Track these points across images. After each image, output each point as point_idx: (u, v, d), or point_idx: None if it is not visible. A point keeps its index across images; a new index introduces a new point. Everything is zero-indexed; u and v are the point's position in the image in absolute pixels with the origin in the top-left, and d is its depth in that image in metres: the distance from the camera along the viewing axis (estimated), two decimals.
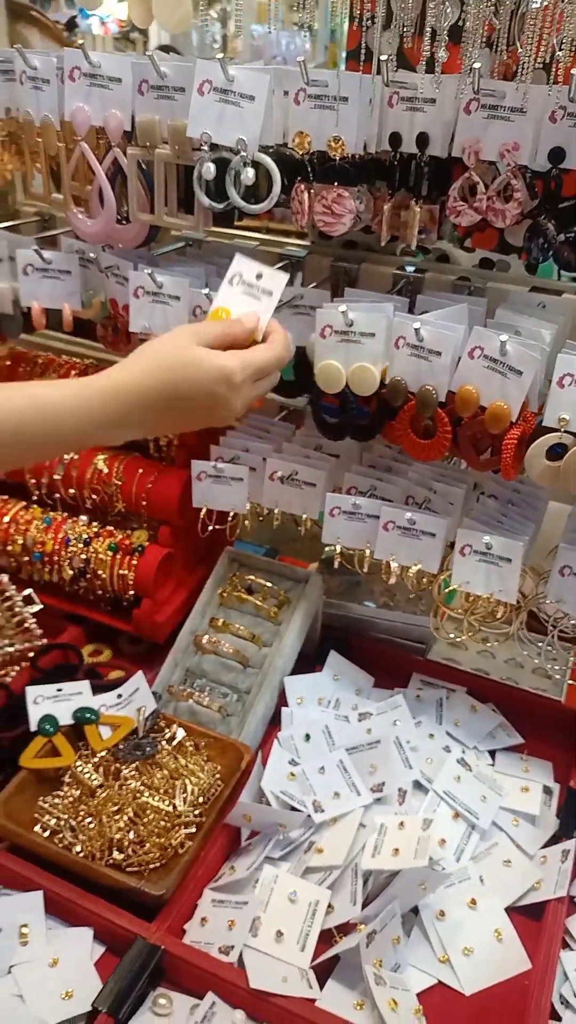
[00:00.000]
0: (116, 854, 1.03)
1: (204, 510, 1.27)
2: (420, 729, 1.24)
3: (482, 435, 1.02)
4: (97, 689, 1.23)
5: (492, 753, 1.24)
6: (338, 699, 1.31)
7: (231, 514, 1.28)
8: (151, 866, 1.02)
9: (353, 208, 1.05)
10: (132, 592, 1.34)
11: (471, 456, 1.04)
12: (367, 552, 1.19)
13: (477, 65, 0.93)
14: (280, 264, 1.27)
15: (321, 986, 0.93)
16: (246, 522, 1.29)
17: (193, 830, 1.06)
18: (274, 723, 1.25)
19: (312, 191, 1.05)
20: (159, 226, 1.17)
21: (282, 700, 1.27)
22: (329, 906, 1.00)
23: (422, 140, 1.03)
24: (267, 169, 1.02)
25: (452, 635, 1.18)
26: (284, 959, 0.95)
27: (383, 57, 0.99)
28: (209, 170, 1.03)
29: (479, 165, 1.00)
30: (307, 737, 1.20)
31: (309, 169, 1.05)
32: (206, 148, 1.03)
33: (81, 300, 1.26)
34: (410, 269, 1.22)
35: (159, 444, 1.37)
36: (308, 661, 1.34)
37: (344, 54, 1.33)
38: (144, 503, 1.34)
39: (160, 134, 1.08)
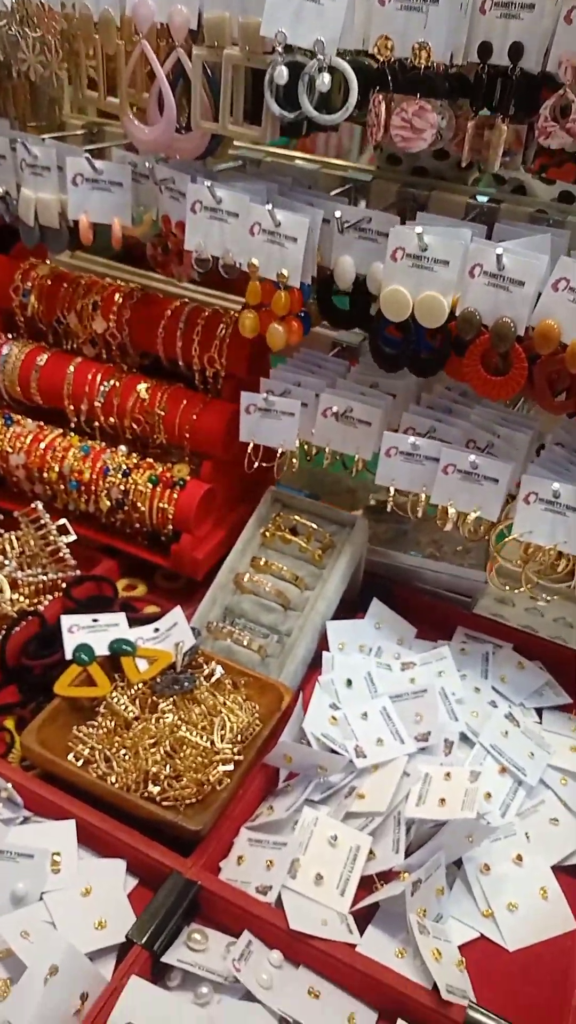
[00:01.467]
0: (151, 787, 0.99)
1: (251, 445, 1.22)
2: (466, 682, 1.20)
3: (560, 375, 0.96)
4: (133, 622, 1.19)
5: (539, 711, 1.20)
6: (379, 647, 1.27)
7: (278, 452, 1.23)
8: (187, 801, 0.99)
9: (435, 122, 0.98)
10: (171, 527, 1.30)
11: (546, 397, 0.99)
12: (422, 497, 1.13)
13: None
14: (342, 189, 1.20)
15: (360, 933, 0.90)
16: (293, 460, 1.24)
17: (231, 767, 1.02)
18: (313, 667, 1.21)
19: (391, 102, 0.98)
20: (221, 137, 1.10)
21: (322, 645, 1.23)
22: (370, 852, 0.96)
23: (516, 50, 0.95)
24: (343, 77, 0.95)
25: (507, 587, 1.13)
26: (323, 902, 0.91)
27: None
28: (282, 74, 0.97)
29: None
30: (348, 683, 1.16)
31: (390, 78, 0.97)
32: (280, 50, 0.97)
33: (132, 216, 1.20)
34: (483, 200, 1.15)
35: (205, 375, 1.32)
36: (349, 608, 1.30)
37: None
38: (187, 435, 1.30)
39: (230, 33, 1.01)
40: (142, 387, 1.33)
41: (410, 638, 1.30)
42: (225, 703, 1.09)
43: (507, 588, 1.13)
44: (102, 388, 1.34)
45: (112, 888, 0.92)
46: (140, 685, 1.10)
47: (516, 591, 1.12)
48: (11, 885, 0.87)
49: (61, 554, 1.30)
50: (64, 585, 1.27)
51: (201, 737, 1.04)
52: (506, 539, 1.09)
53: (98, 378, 1.34)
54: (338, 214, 1.03)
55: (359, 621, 1.28)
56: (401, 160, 1.21)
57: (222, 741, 1.04)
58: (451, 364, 1.03)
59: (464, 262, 0.96)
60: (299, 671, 1.19)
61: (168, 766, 1.01)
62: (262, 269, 1.05)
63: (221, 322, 1.27)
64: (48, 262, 1.45)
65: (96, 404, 1.35)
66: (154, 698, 1.09)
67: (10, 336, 1.44)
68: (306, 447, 1.23)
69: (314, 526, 1.26)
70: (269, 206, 1.04)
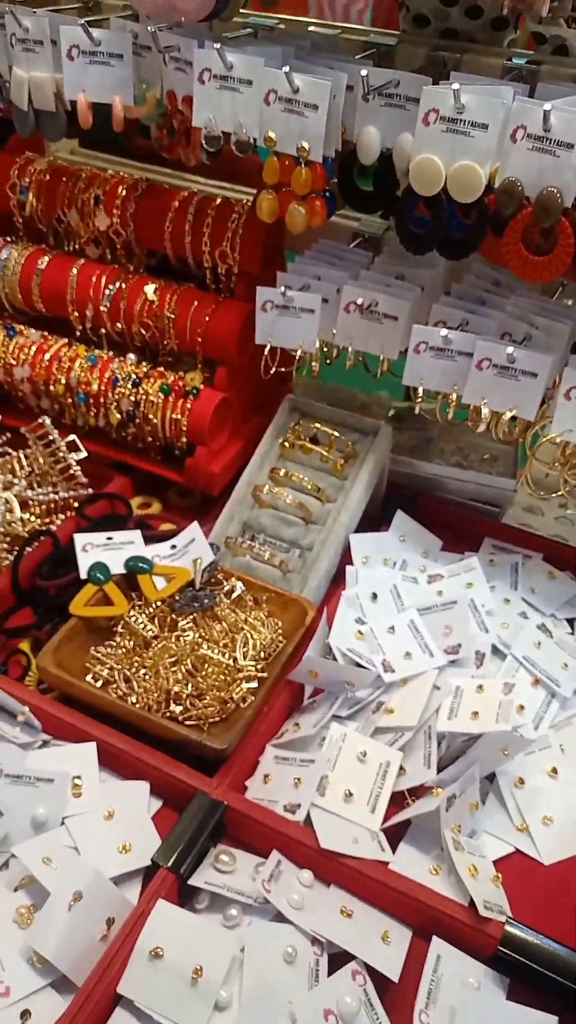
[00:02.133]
0: (173, 706, 0.96)
1: (268, 348, 1.14)
2: (495, 594, 1.15)
3: None
4: (149, 540, 1.14)
5: (570, 622, 1.15)
6: (404, 560, 1.21)
7: (297, 355, 1.15)
8: (210, 720, 0.95)
9: None
10: (184, 440, 1.23)
11: None
12: (453, 397, 1.06)
13: None
14: (364, 54, 1.08)
15: (392, 850, 0.87)
16: (313, 364, 1.16)
17: (255, 685, 0.99)
18: (336, 582, 1.16)
19: None
20: None
21: (345, 559, 1.18)
22: (400, 768, 0.93)
23: None
24: None
25: (541, 493, 1.06)
26: (354, 820, 0.89)
27: None
28: None
29: None
30: (374, 596, 1.11)
31: None
32: None
33: (134, 95, 1.09)
34: (520, 62, 1.04)
35: (217, 273, 1.23)
36: (371, 521, 1.24)
37: None
38: (200, 340, 1.22)
39: None
40: (150, 288, 1.24)
41: (435, 550, 1.25)
42: (247, 620, 1.05)
43: (541, 495, 1.06)
44: (108, 291, 1.25)
45: (136, 811, 0.89)
46: (158, 603, 1.05)
47: (551, 496, 1.05)
48: (32, 810, 0.84)
49: (72, 471, 1.24)
50: (76, 504, 1.22)
51: (223, 655, 1.00)
52: (542, 440, 1.01)
53: (103, 280, 1.26)
54: (364, 72, 0.91)
55: (383, 534, 1.23)
56: (429, 21, 1.09)
57: (245, 658, 1.00)
58: (486, 245, 0.93)
59: (505, 126, 0.86)
60: (322, 586, 1.14)
61: (190, 685, 0.97)
62: (280, 143, 0.95)
63: (233, 212, 1.17)
64: (46, 154, 1.34)
65: (102, 309, 1.26)
66: (173, 616, 1.04)
67: (8, 239, 1.35)
68: (326, 348, 1.14)
69: (336, 434, 1.19)
70: (286, 69, 0.92)
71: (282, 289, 1.07)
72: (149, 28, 1.02)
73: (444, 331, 1.00)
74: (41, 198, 1.29)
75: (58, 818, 0.86)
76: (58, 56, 1.07)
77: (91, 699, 0.96)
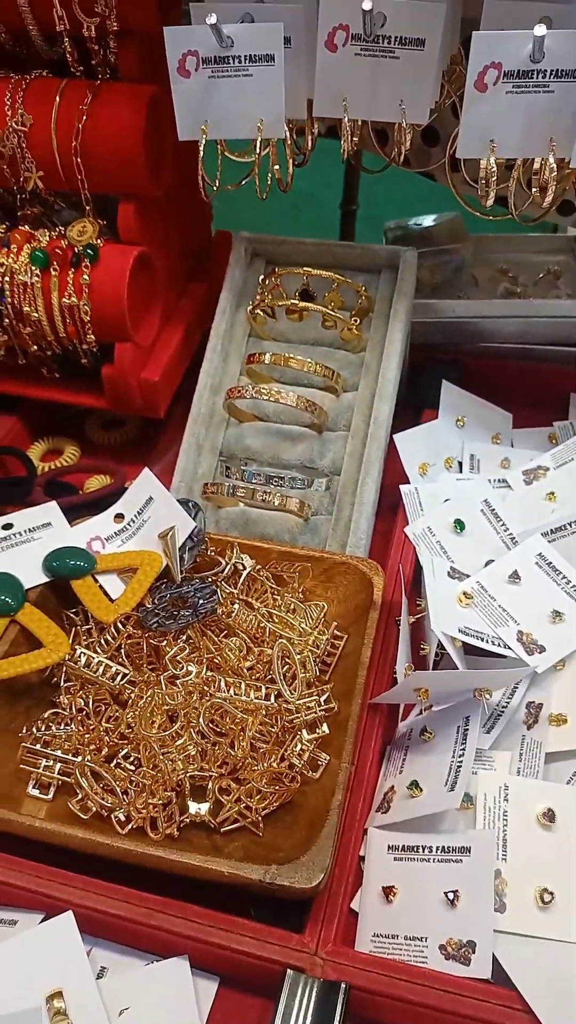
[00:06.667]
0: (196, 807, 0.53)
1: (203, 145, 0.65)
2: None
3: None
4: (74, 512, 0.67)
5: None
6: (473, 455, 0.79)
7: (256, 152, 0.67)
8: (262, 812, 0.53)
9: None
10: (92, 337, 0.76)
11: None
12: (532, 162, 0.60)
13: None
14: None
15: None
16: (275, 168, 0.69)
17: (324, 731, 0.56)
18: (384, 514, 0.73)
19: None
20: None
21: (392, 475, 0.74)
22: None
23: None
24: None
25: None
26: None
27: None
28: None
29: None
30: (459, 525, 0.69)
31: None
32: None
33: None
34: None
35: (84, 45, 0.71)
36: (401, 407, 0.80)
37: None
38: (79, 160, 0.71)
39: None
40: None
41: (507, 428, 0.84)
42: (274, 618, 0.61)
43: None
44: None
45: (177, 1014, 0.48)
46: (121, 624, 0.60)
47: None
48: None
49: None
50: None
51: (256, 690, 0.56)
52: None
53: None
54: None
55: (433, 424, 0.80)
56: None
57: (292, 688, 0.57)
58: None
59: None
60: (369, 527, 0.71)
61: (215, 757, 0.54)
62: None
63: None
64: None
65: None
66: (150, 640, 0.60)
67: None
68: (295, 137, 0.67)
69: (339, 277, 0.73)
70: None
71: (212, 19, 0.58)
72: None
73: (541, 29, 0.54)
74: None
75: None
76: None
77: (44, 836, 0.52)
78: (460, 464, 0.80)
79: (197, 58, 0.60)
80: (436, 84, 0.64)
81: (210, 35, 0.59)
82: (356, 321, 0.74)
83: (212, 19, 0.57)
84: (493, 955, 0.49)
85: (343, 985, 0.47)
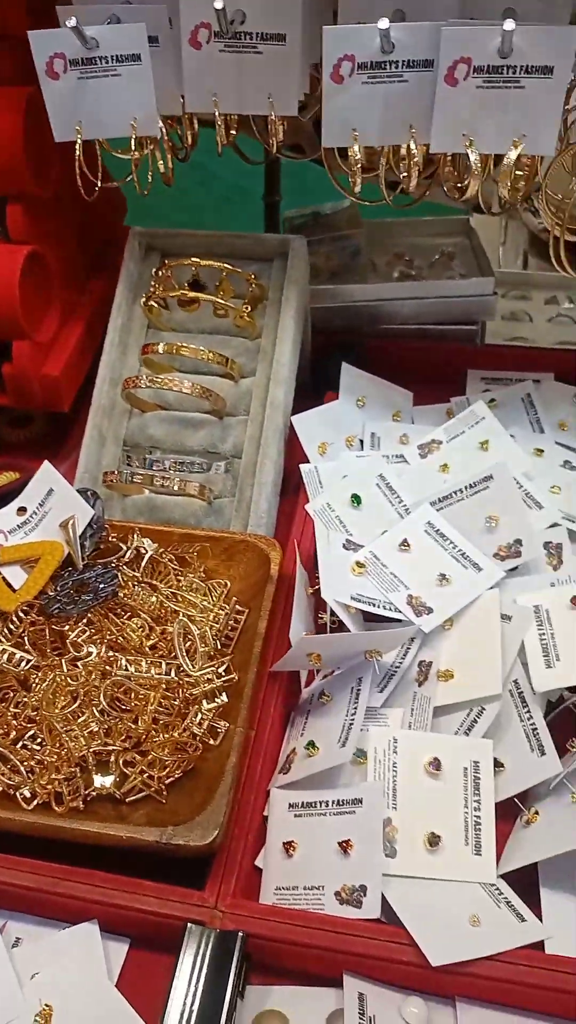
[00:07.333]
0: (101, 780, 0.56)
1: (78, 148, 0.67)
2: (519, 446, 0.77)
3: None
4: None
5: None
6: (373, 433, 0.82)
7: (133, 152, 0.69)
8: (166, 780, 0.56)
9: None
10: None
11: None
12: (409, 146, 0.63)
13: None
14: None
15: (534, 908, 0.52)
16: (159, 165, 0.71)
17: (224, 699, 0.59)
18: (286, 494, 0.76)
19: None
20: None
21: (292, 457, 0.77)
22: (497, 764, 0.57)
23: None
24: None
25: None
26: (456, 877, 0.53)
27: None
28: None
29: None
30: (356, 500, 0.71)
31: None
32: None
33: None
34: None
35: None
36: (300, 395, 0.82)
37: None
38: None
39: None
40: None
41: (407, 407, 0.87)
42: (177, 595, 0.64)
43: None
44: None
45: (87, 978, 0.50)
46: (23, 611, 0.62)
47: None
48: None
49: None
50: None
51: (157, 666, 0.59)
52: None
53: None
54: None
55: (332, 405, 0.83)
56: None
57: (194, 662, 0.60)
58: None
59: None
60: (272, 507, 0.73)
61: (119, 732, 0.56)
62: None
63: None
64: None
65: None
66: (53, 626, 0.62)
67: None
68: (173, 130, 0.69)
69: (229, 267, 0.75)
70: None
71: (72, 22, 0.60)
72: None
73: (384, 23, 0.56)
74: None
75: None
76: None
77: None
78: (361, 442, 0.83)
79: (64, 60, 0.62)
80: (303, 77, 0.66)
81: (75, 37, 0.61)
82: (248, 309, 0.76)
83: (72, 22, 0.59)
84: (383, 896, 0.52)
85: (240, 934, 0.50)
